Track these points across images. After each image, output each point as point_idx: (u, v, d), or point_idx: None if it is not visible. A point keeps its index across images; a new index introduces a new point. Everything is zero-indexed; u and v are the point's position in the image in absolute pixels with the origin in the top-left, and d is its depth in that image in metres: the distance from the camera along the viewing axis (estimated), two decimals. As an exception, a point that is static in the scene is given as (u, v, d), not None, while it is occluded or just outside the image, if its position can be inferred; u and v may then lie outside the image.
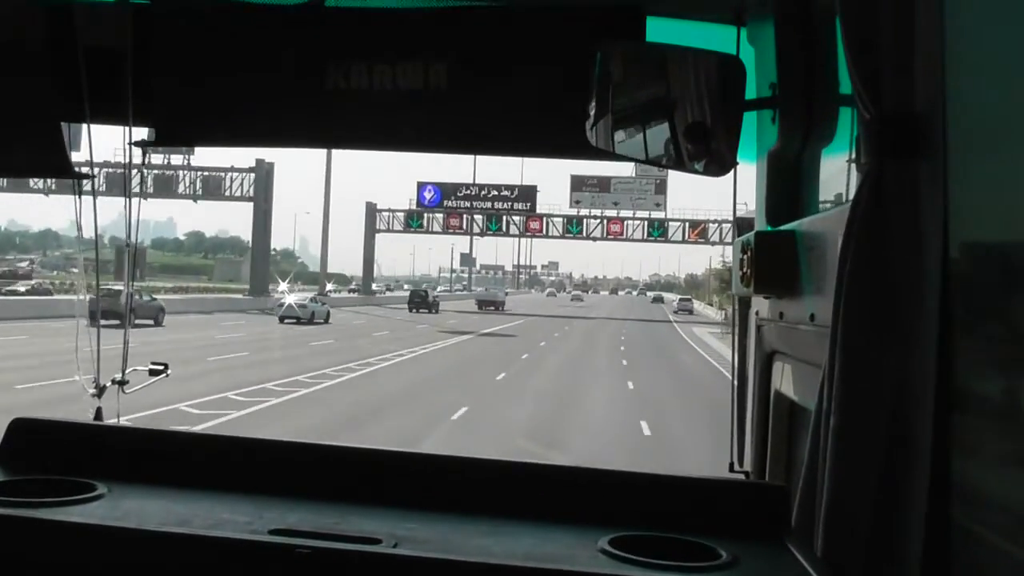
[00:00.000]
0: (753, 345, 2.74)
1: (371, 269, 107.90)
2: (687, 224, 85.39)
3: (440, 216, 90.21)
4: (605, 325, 73.33)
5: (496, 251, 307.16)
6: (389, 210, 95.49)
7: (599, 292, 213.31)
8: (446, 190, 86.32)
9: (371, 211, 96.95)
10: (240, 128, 3.21)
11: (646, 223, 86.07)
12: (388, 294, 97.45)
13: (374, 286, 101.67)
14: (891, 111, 1.36)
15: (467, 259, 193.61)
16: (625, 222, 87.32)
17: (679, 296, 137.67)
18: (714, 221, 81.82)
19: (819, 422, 1.48)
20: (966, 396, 1.28)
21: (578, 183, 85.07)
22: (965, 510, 1.28)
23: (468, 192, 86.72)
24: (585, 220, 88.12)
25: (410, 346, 42.91)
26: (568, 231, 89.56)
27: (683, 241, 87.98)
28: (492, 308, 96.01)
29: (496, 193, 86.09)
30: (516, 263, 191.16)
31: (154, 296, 58.49)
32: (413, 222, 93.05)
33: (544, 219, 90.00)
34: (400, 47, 3.00)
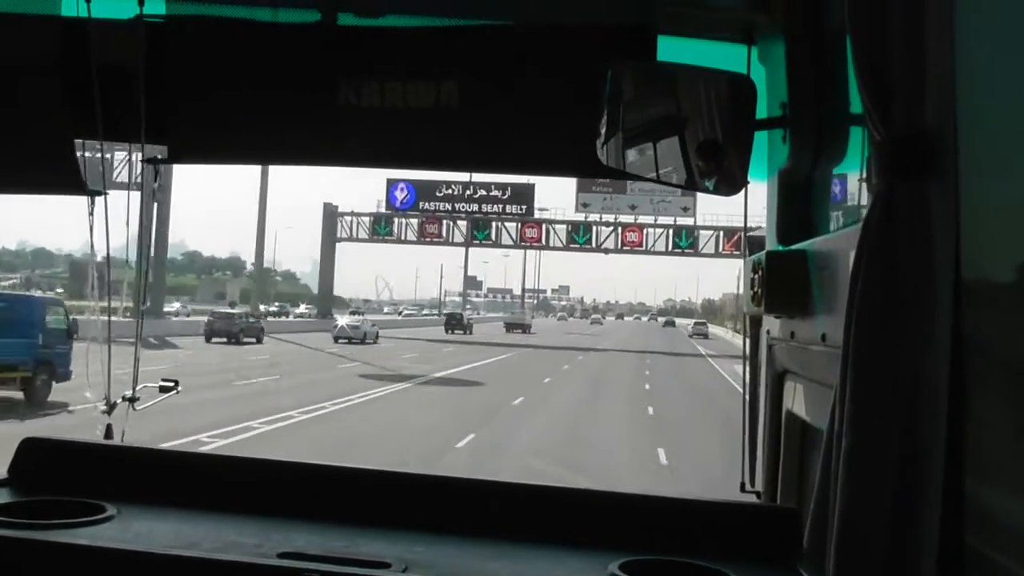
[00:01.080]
0: (764, 365, 2.73)
1: (329, 286, 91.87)
2: (721, 233, 71.07)
3: (415, 221, 77.86)
4: (618, 363, 52.80)
5: (505, 273, 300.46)
6: (352, 213, 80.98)
7: (607, 317, 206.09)
8: (422, 189, 72.65)
9: (330, 215, 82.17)
10: (252, 145, 3.22)
11: (671, 231, 73.61)
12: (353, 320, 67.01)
13: (351, 317, 73.72)
14: (902, 131, 1.35)
15: (472, 282, 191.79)
16: (645, 230, 74.67)
17: (694, 320, 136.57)
18: (755, 228, 62.54)
19: (831, 443, 1.47)
20: (980, 418, 1.27)
21: (585, 183, 68.38)
22: (980, 533, 1.27)
23: (449, 192, 72.70)
24: (595, 227, 75.62)
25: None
26: (573, 240, 76.35)
27: (716, 254, 73.45)
28: (519, 330, 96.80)
29: (484, 193, 72.23)
30: (523, 286, 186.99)
31: (257, 318, 64.90)
32: (380, 229, 79.33)
33: (544, 226, 76.60)
34: (412, 65, 3.01)
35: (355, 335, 59.35)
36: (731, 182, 2.25)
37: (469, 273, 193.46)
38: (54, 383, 24.14)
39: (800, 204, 2.49)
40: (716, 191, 2.31)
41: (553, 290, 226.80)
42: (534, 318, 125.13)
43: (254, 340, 53.64)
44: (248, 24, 3.05)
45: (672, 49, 3.00)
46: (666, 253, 76.33)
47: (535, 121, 3.02)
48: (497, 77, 3.03)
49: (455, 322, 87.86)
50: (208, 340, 52.34)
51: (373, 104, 2.99)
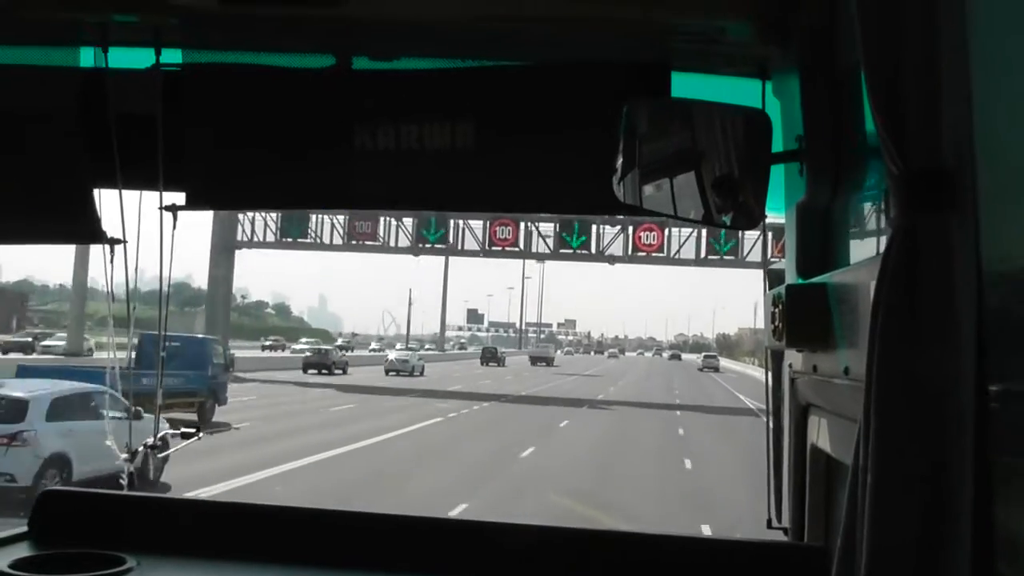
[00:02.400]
0: (787, 398, 2.71)
1: (225, 312, 64.98)
2: (771, 234, 19.15)
3: (342, 218, 59.61)
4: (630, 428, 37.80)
5: (508, 307, 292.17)
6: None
7: (603, 352, 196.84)
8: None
9: (225, 215, 56.95)
10: (270, 190, 3.25)
11: (703, 232, 52.71)
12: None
13: (399, 352, 75.77)
14: (920, 164, 1.34)
15: (473, 315, 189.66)
16: (667, 229, 55.22)
17: (704, 354, 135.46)
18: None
19: (856, 479, 1.45)
20: (1008, 451, 1.25)
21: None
22: (1012, 570, 1.25)
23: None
24: (596, 227, 56.70)
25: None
26: (564, 244, 57.30)
27: (766, 262, 27.23)
28: (543, 363, 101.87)
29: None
30: (522, 318, 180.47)
31: (345, 351, 77.48)
32: (293, 230, 61.16)
33: (522, 224, 56.73)
34: (427, 107, 3.03)
35: (404, 368, 66.39)
36: (748, 216, 2.25)
37: (470, 306, 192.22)
38: (217, 407, 31.06)
39: (819, 237, 2.48)
40: (734, 225, 2.32)
41: (559, 324, 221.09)
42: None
43: (341, 371, 63.12)
44: (263, 71, 3.08)
45: (687, 85, 3.01)
46: (697, 263, 56.35)
47: (551, 160, 3.03)
48: (512, 117, 3.04)
49: (490, 355, 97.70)
50: (305, 371, 61.08)
51: (389, 147, 3.01)
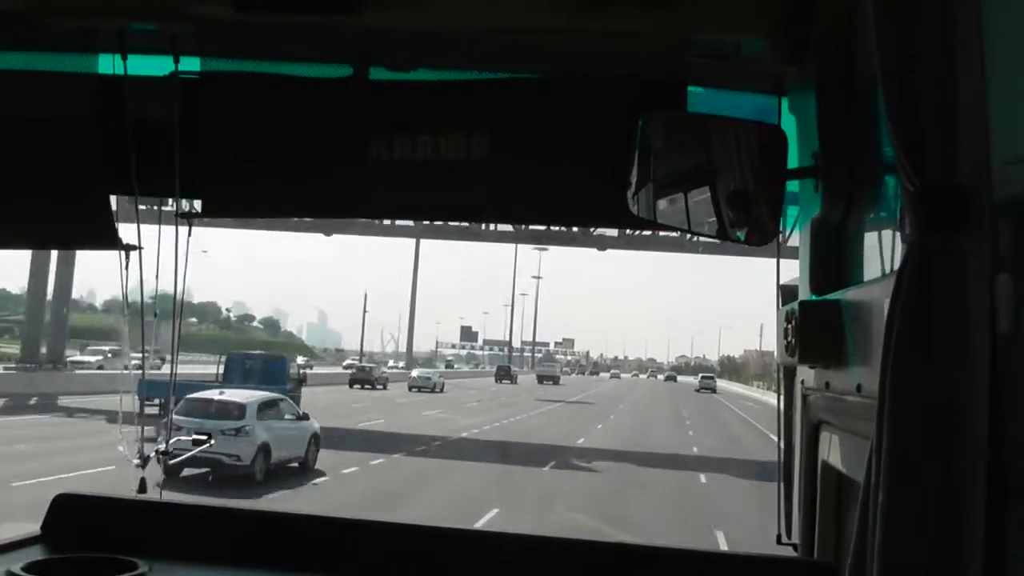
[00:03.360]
0: (799, 415, 2.70)
1: (62, 325, 59.01)
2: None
3: None
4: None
5: (505, 325, 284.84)
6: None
7: (598, 374, 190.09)
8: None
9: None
10: (285, 199, 3.26)
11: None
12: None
13: (422, 370, 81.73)
14: (935, 182, 1.34)
15: (467, 333, 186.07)
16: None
17: (700, 375, 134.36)
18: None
19: (867, 497, 1.45)
20: (1019, 474, 1.25)
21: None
22: None
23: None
24: None
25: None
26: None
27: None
28: (550, 382, 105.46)
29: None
30: (511, 335, 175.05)
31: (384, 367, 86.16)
32: None
33: None
34: (443, 118, 3.04)
35: (426, 385, 70.89)
36: (763, 232, 2.25)
37: (464, 323, 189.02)
38: None
39: (833, 254, 2.48)
40: (748, 240, 2.31)
41: (556, 343, 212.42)
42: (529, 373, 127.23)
43: (382, 387, 70.01)
44: (281, 80, 3.10)
45: (702, 100, 3.01)
46: (710, 250, 46.65)
47: (566, 172, 3.04)
48: (528, 129, 3.05)
49: (504, 373, 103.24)
50: (351, 386, 67.51)
51: (405, 157, 3.02)
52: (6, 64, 3.08)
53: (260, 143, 3.13)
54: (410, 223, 48.66)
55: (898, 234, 1.92)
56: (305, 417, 26.63)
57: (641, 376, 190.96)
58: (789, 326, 2.37)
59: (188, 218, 3.19)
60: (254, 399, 25.28)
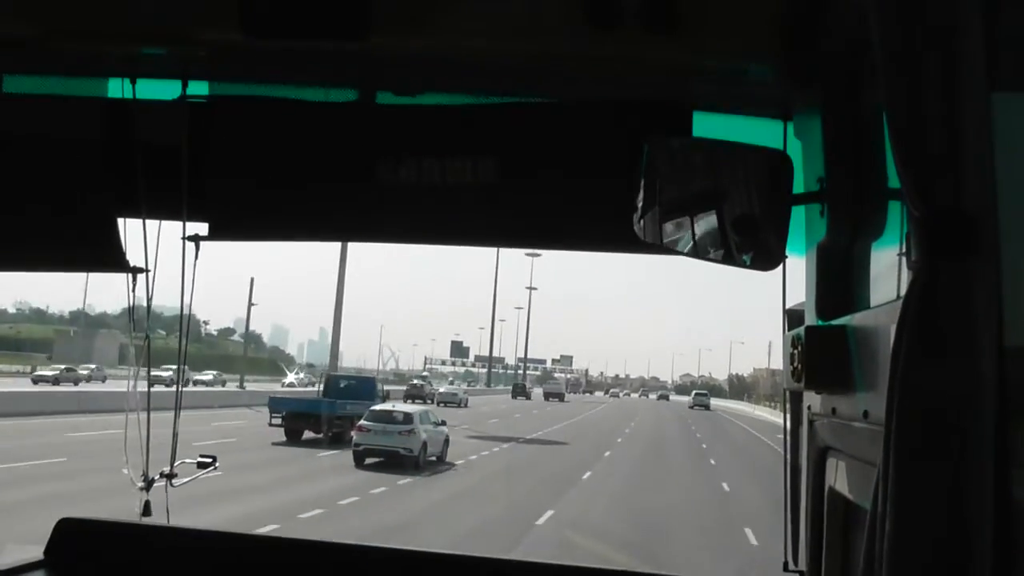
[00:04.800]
0: (806, 440, 2.69)
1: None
2: None
3: None
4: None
5: (500, 340, 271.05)
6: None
7: (592, 392, 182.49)
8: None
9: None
10: (292, 223, 3.27)
11: None
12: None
13: (448, 386, 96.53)
14: (941, 208, 1.34)
15: (459, 349, 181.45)
16: None
17: (694, 392, 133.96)
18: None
19: (874, 524, 1.44)
20: None
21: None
22: None
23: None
24: None
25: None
26: None
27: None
28: (556, 399, 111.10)
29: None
30: (492, 352, 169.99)
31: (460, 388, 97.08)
32: None
33: None
34: (449, 141, 3.05)
35: (453, 400, 79.37)
36: (769, 257, 2.25)
37: (455, 339, 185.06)
38: None
39: (839, 279, 2.48)
40: (753, 265, 2.31)
41: (554, 360, 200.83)
42: (533, 388, 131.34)
43: (431, 401, 76.57)
44: (288, 104, 3.11)
45: (708, 124, 3.02)
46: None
47: (573, 196, 3.04)
48: (534, 153, 3.05)
49: (519, 390, 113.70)
50: (405, 401, 70.87)
51: (411, 181, 3.03)
52: (17, 88, 3.11)
53: (267, 167, 3.14)
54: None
55: (904, 259, 1.91)
56: (443, 423, 36.60)
57: (632, 395, 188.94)
58: (795, 351, 2.36)
59: (196, 241, 3.20)
60: (417, 410, 36.64)
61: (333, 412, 39.34)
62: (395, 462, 31.72)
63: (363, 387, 45.61)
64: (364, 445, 32.72)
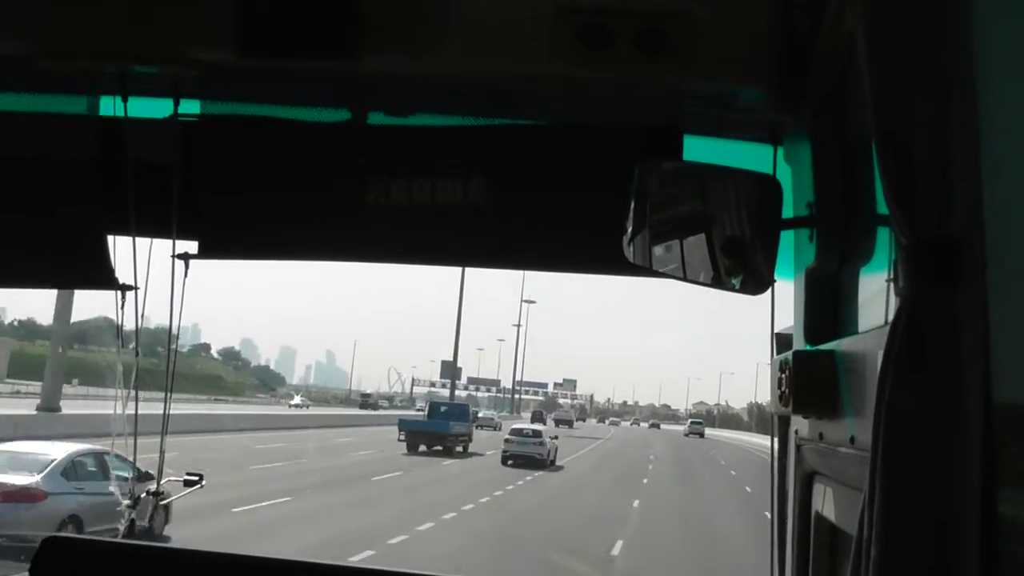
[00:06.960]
0: (792, 465, 2.69)
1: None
2: None
3: None
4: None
5: (498, 361, 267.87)
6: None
7: (584, 420, 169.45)
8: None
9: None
10: (282, 242, 3.26)
11: None
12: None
13: (487, 411, 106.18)
14: (929, 234, 1.35)
15: (449, 368, 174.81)
16: None
17: (690, 420, 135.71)
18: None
19: (860, 551, 1.44)
20: (1014, 531, 1.24)
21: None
22: None
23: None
24: None
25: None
26: None
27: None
28: (566, 426, 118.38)
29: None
30: (513, 373, 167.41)
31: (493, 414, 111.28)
32: None
33: None
34: (440, 163, 3.05)
35: (490, 424, 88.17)
36: (757, 281, 2.25)
37: (446, 360, 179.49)
38: (469, 444, 55.95)
39: (827, 304, 2.48)
40: (742, 289, 2.31)
41: (556, 384, 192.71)
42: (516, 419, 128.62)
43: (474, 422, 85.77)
44: (280, 123, 3.11)
45: (698, 148, 3.03)
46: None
47: (563, 219, 3.04)
48: (525, 175, 3.06)
49: (538, 416, 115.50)
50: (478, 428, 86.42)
51: (402, 202, 3.03)
52: (6, 106, 3.10)
53: (259, 186, 3.13)
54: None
55: (892, 285, 1.92)
56: (555, 437, 53.46)
57: (624, 423, 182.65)
58: (783, 375, 2.36)
59: (185, 259, 3.19)
60: (542, 428, 55.72)
61: (443, 431, 52.73)
62: (531, 464, 46.47)
63: (458, 411, 59.84)
64: (510, 451, 48.18)
